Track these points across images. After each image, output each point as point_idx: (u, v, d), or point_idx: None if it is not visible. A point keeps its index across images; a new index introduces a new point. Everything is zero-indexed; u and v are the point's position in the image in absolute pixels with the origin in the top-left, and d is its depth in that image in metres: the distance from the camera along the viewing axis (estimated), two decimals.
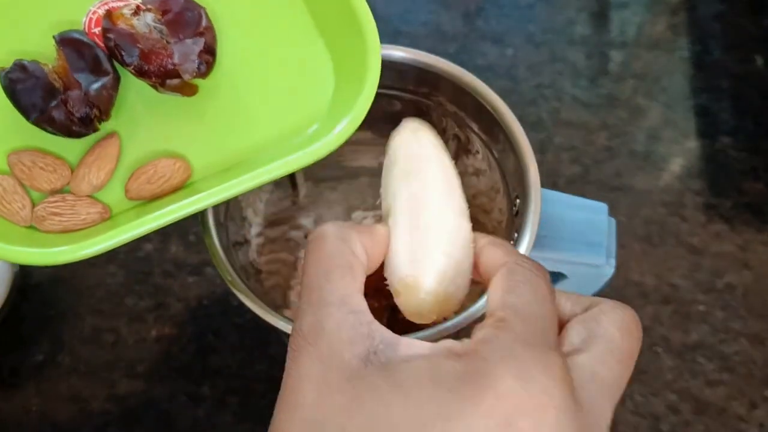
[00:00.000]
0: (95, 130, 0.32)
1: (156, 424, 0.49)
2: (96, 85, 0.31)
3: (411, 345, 0.22)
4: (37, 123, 0.31)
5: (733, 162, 0.59)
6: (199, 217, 0.36)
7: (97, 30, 0.33)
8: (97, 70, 0.32)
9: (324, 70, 0.34)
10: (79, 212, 0.32)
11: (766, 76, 0.64)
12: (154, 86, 0.32)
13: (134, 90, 0.34)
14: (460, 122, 0.42)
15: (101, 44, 0.32)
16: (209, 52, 0.32)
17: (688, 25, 0.67)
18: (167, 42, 0.32)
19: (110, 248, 0.30)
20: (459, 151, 0.43)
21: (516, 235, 0.38)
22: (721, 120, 0.62)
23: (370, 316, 0.23)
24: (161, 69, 0.31)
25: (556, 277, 0.41)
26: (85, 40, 0.32)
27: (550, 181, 0.58)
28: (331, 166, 0.45)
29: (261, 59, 0.34)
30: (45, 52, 0.32)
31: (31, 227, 0.32)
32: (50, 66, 0.32)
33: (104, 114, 0.32)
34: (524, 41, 0.65)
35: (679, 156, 0.60)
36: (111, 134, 0.33)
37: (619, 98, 0.63)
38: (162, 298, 0.53)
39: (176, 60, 0.31)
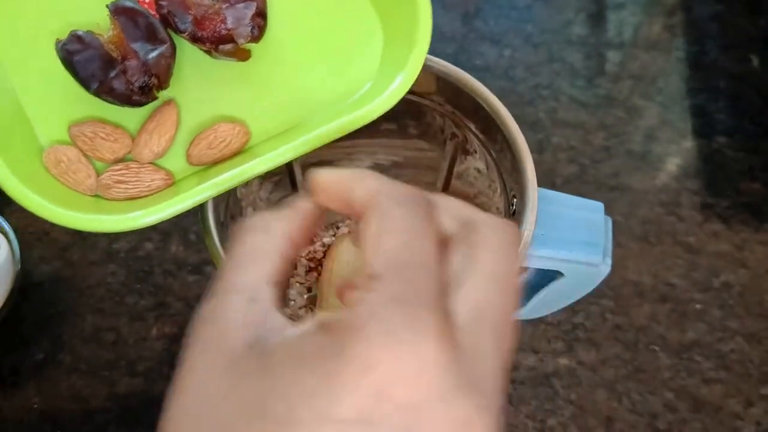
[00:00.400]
0: (154, 98, 0.32)
1: (156, 423, 0.49)
2: (153, 54, 0.31)
3: (294, 327, 0.21)
4: (97, 93, 0.31)
5: (729, 162, 0.60)
6: (199, 216, 0.37)
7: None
8: (153, 39, 0.32)
9: (372, 27, 0.34)
10: (144, 179, 0.33)
11: (762, 76, 0.64)
12: (207, 52, 0.32)
13: (187, 56, 0.34)
14: (458, 122, 0.42)
15: (153, 12, 0.32)
16: (261, 16, 0.32)
17: (684, 26, 0.67)
18: (219, 7, 0.32)
19: (176, 213, 0.31)
20: (457, 151, 0.43)
21: None
22: (718, 120, 0.62)
23: (269, 305, 0.22)
24: (215, 34, 0.31)
25: (553, 275, 0.41)
26: (138, 8, 0.32)
27: (547, 181, 0.58)
28: (328, 166, 0.45)
29: (308, 20, 0.34)
30: (99, 23, 0.32)
31: (96, 196, 0.33)
32: (105, 36, 0.32)
33: (163, 83, 0.32)
34: (522, 42, 0.65)
35: (676, 156, 0.60)
36: (168, 101, 0.33)
37: (617, 98, 0.63)
38: (162, 297, 0.53)
39: (230, 25, 0.31)
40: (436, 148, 0.44)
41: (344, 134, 0.32)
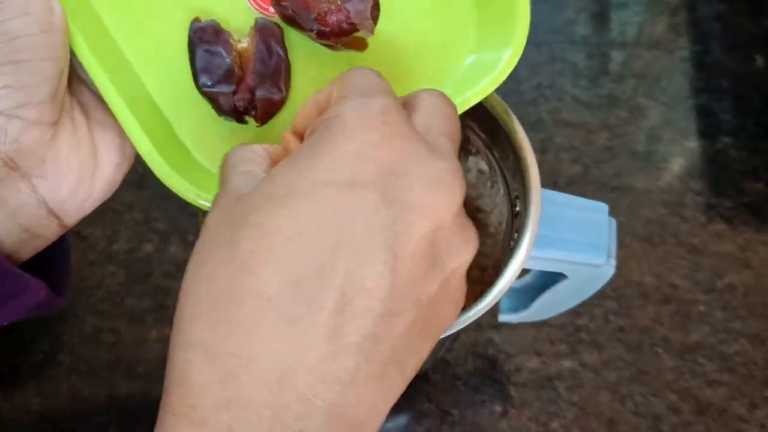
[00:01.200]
0: (243, 123, 0.33)
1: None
2: (265, 95, 0.32)
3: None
4: (199, 88, 0.32)
5: (733, 162, 0.59)
6: (198, 216, 0.36)
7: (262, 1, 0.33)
8: (275, 81, 0.32)
9: (468, 19, 0.34)
10: None
11: (766, 76, 0.64)
12: (329, 46, 0.32)
13: (303, 57, 0.33)
14: (461, 122, 0.41)
15: (269, 13, 0.32)
16: (376, 7, 0.32)
17: (688, 25, 0.67)
18: (339, 3, 0.32)
19: None
20: (459, 151, 0.43)
21: (516, 235, 0.38)
22: (722, 120, 0.62)
23: (265, 173, 0.25)
24: (339, 29, 0.31)
25: (556, 277, 0.41)
26: (277, 32, 0.32)
27: (550, 181, 0.58)
28: None
29: (405, 9, 0.34)
30: (240, 29, 0.33)
31: None
32: (238, 46, 0.32)
33: (258, 120, 0.32)
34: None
35: (680, 156, 0.60)
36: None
37: (620, 98, 0.62)
38: (162, 299, 0.52)
39: (353, 19, 0.31)
40: None
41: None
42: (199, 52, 0.31)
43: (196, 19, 0.32)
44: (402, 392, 0.23)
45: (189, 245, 0.54)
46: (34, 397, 0.49)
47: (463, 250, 0.24)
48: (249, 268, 0.21)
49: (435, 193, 0.22)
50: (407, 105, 0.26)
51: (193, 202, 0.31)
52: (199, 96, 0.32)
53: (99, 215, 0.56)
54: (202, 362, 0.21)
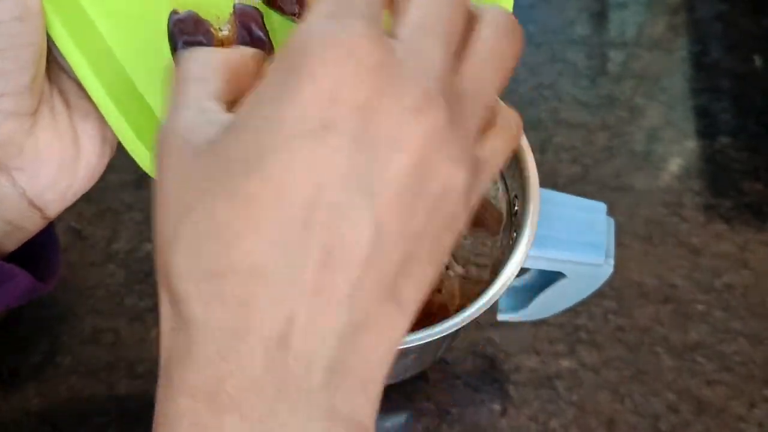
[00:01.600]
0: None
1: None
2: None
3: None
4: None
5: (732, 162, 0.59)
6: None
7: None
8: None
9: None
10: None
11: (766, 76, 0.64)
12: None
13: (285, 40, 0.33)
14: None
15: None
16: None
17: (688, 25, 0.67)
18: None
19: None
20: None
21: (515, 234, 0.38)
22: (721, 120, 0.62)
23: (221, 114, 0.23)
24: None
25: (555, 276, 0.41)
26: (257, 15, 0.31)
27: (549, 181, 0.58)
28: None
29: None
30: (219, 16, 0.32)
31: None
32: (219, 35, 0.31)
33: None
34: (524, 41, 0.65)
35: (679, 156, 0.60)
36: None
37: (619, 98, 0.62)
38: None
39: None
40: None
41: None
42: (180, 44, 0.31)
43: (175, 11, 0.31)
44: (405, 330, 0.22)
45: None
46: (33, 397, 0.49)
47: (451, 169, 0.22)
48: (230, 240, 0.21)
49: (410, 123, 0.21)
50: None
51: None
52: None
53: (99, 215, 0.56)
54: (202, 339, 0.21)
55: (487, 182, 0.24)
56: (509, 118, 0.25)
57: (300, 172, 0.20)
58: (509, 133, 0.25)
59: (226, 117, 0.23)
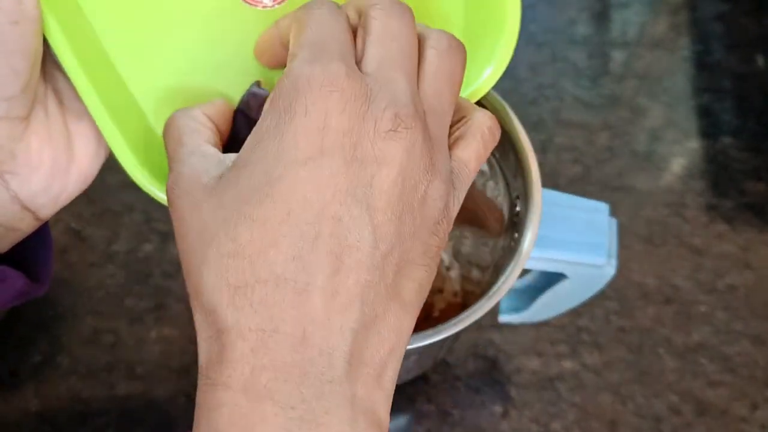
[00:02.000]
0: None
1: (156, 425, 0.49)
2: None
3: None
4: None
5: (734, 162, 0.59)
6: None
7: None
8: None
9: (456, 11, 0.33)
10: None
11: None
12: None
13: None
14: None
15: None
16: None
17: (689, 25, 0.67)
18: None
19: None
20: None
21: (517, 235, 0.37)
22: (723, 120, 0.61)
23: (220, 154, 0.27)
24: None
25: (557, 277, 0.41)
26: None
27: (551, 182, 0.58)
28: None
29: None
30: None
31: None
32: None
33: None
34: (525, 41, 0.65)
35: (681, 156, 0.60)
36: None
37: (621, 98, 0.62)
38: (162, 299, 0.52)
39: None
40: None
41: None
42: (240, 115, 0.31)
43: (258, 84, 0.31)
44: (414, 322, 0.26)
45: None
46: (33, 398, 0.49)
47: (429, 178, 0.25)
48: (253, 257, 0.24)
49: (390, 142, 0.24)
50: (362, 33, 0.27)
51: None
52: (177, 88, 0.31)
53: (99, 216, 0.56)
54: (236, 341, 0.24)
55: (465, 189, 0.27)
56: (480, 122, 0.28)
57: (304, 192, 0.24)
58: (481, 139, 0.28)
59: (227, 157, 0.27)
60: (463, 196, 0.28)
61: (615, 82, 0.63)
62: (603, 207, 0.40)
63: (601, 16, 0.68)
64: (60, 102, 0.30)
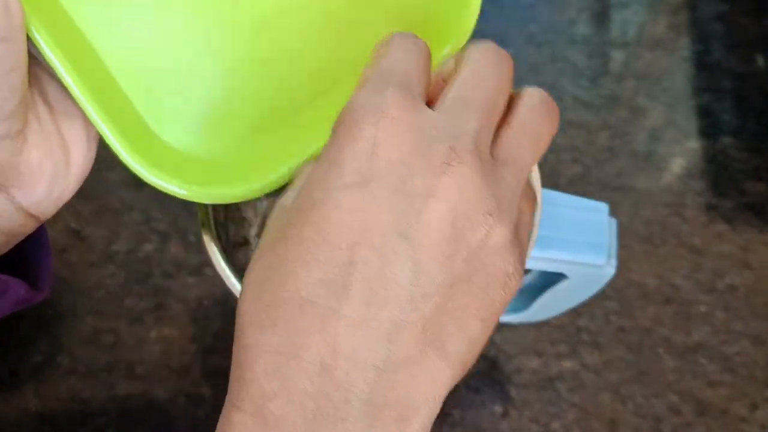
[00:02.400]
0: None
1: (156, 425, 0.48)
2: None
3: None
4: None
5: (734, 162, 0.59)
6: (198, 217, 0.36)
7: None
8: None
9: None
10: None
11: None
12: None
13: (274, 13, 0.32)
14: None
15: None
16: None
17: (689, 25, 0.67)
18: None
19: None
20: None
21: None
22: (723, 120, 0.61)
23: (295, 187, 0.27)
24: None
25: (557, 277, 0.41)
26: None
27: (550, 182, 0.57)
28: None
29: None
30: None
31: None
32: None
33: None
34: (525, 41, 0.65)
35: (681, 156, 0.60)
36: None
37: (621, 98, 0.62)
38: (162, 299, 0.52)
39: None
40: None
41: None
42: None
43: None
44: (455, 378, 0.24)
45: (189, 245, 0.54)
46: (33, 398, 0.49)
47: (490, 223, 0.24)
48: (284, 276, 0.24)
49: (442, 176, 0.23)
50: (449, 73, 0.27)
51: (174, 193, 0.30)
52: (166, 74, 0.31)
53: (99, 215, 0.56)
54: (253, 360, 0.23)
55: (526, 247, 0.26)
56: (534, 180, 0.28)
57: (343, 218, 0.23)
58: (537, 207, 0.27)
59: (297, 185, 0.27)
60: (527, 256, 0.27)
61: (615, 82, 0.63)
62: (603, 207, 0.40)
63: (601, 16, 0.68)
64: (49, 105, 0.29)
